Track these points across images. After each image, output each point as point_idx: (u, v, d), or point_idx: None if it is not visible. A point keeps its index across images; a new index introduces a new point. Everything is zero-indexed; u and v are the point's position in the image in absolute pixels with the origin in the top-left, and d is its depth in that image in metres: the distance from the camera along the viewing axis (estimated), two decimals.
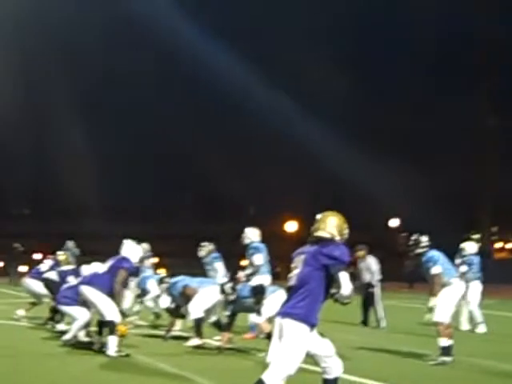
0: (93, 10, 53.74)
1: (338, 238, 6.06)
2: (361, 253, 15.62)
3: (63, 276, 12.92)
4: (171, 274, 12.95)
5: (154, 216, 66.32)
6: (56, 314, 12.73)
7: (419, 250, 10.29)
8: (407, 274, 35.56)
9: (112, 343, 9.85)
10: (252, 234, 12.30)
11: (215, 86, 56.41)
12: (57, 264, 14.04)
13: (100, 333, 10.51)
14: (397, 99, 55.08)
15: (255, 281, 11.51)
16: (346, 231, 6.13)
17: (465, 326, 14.40)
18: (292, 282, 5.86)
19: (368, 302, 15.35)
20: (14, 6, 47.13)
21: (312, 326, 5.69)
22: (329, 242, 5.95)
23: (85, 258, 14.36)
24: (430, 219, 51.39)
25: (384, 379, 8.34)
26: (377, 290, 15.35)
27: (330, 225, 6.09)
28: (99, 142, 58.81)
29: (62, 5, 50.85)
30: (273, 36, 55.92)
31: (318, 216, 6.19)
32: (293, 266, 5.96)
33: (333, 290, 5.81)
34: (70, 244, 14.79)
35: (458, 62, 54.66)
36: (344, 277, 5.75)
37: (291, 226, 55.58)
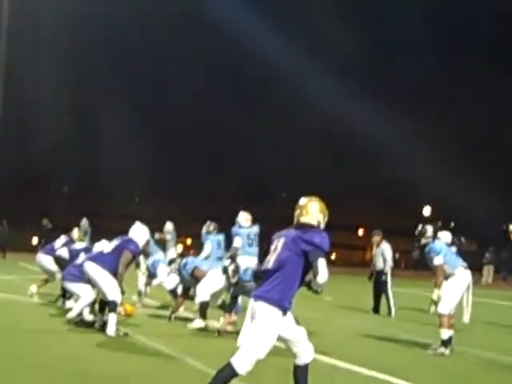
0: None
1: (322, 224, 6.02)
2: (376, 238, 15.55)
3: (75, 253, 12.96)
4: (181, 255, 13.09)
5: (191, 198, 66.56)
6: (67, 292, 12.81)
7: (424, 241, 10.17)
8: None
9: (111, 322, 9.89)
10: (241, 218, 13.14)
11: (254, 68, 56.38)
12: (71, 241, 14.18)
13: (102, 311, 10.56)
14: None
15: (242, 262, 11.73)
16: (327, 217, 6.08)
17: (466, 317, 14.02)
18: (269, 265, 5.80)
19: (380, 289, 15.25)
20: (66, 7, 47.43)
21: (285, 310, 5.63)
22: (310, 227, 5.90)
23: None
24: (468, 209, 50.92)
25: (378, 368, 8.26)
26: (389, 278, 15.23)
27: (315, 210, 6.02)
28: (137, 124, 59.34)
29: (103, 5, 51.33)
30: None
31: (302, 201, 6.11)
32: (272, 248, 5.90)
33: (308, 277, 5.76)
34: (84, 221, 14.87)
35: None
36: (322, 264, 5.68)
37: None
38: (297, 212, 6.05)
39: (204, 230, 14.52)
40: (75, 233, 14.58)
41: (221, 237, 14.42)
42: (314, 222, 5.95)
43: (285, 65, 54.81)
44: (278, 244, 5.86)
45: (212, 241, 14.28)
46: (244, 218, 13.22)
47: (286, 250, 5.75)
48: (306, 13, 56.15)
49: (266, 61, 53.23)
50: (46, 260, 14.10)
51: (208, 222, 14.61)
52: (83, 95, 59.91)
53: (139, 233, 10.86)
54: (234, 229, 13.15)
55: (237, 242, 13.04)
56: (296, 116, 61.36)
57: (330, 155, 60.92)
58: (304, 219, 5.97)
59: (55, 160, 62.77)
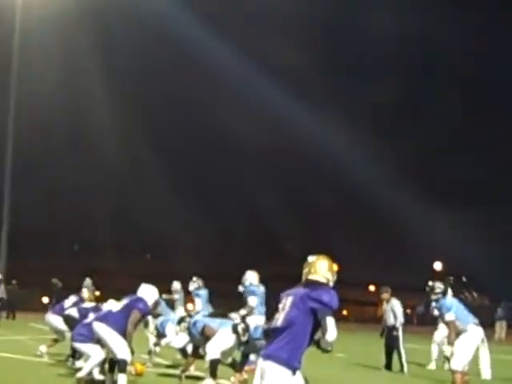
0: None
1: (331, 282, 6.02)
2: (385, 295, 15.51)
3: (84, 313, 12.96)
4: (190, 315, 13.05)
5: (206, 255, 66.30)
6: (76, 351, 12.75)
7: (434, 297, 10.19)
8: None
9: (122, 382, 9.84)
10: (251, 277, 13.16)
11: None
12: (80, 300, 14.18)
13: (111, 370, 10.49)
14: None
15: (252, 321, 11.69)
16: (336, 275, 6.08)
17: (486, 373, 13.85)
18: (278, 323, 5.78)
19: (392, 346, 15.12)
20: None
21: (294, 370, 5.59)
22: (319, 285, 5.89)
23: None
24: (480, 264, 50.58)
25: None
26: (400, 334, 15.12)
27: (324, 268, 6.03)
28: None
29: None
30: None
31: (310, 259, 6.13)
32: (280, 306, 5.89)
33: (317, 335, 5.74)
34: (87, 281, 14.96)
35: None
36: (331, 322, 5.66)
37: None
38: (305, 270, 6.06)
39: (192, 287, 14.99)
40: (85, 292, 14.57)
41: (206, 292, 14.76)
42: (323, 280, 5.96)
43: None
44: (286, 302, 5.85)
45: (201, 296, 14.52)
46: (255, 277, 13.25)
47: (295, 308, 5.73)
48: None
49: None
50: (55, 320, 14.08)
51: (195, 279, 14.93)
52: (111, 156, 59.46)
53: (148, 292, 10.87)
54: (250, 287, 13.13)
55: (252, 301, 13.00)
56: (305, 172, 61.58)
57: (342, 212, 60.96)
58: (312, 277, 5.98)
59: (65, 219, 62.86)
